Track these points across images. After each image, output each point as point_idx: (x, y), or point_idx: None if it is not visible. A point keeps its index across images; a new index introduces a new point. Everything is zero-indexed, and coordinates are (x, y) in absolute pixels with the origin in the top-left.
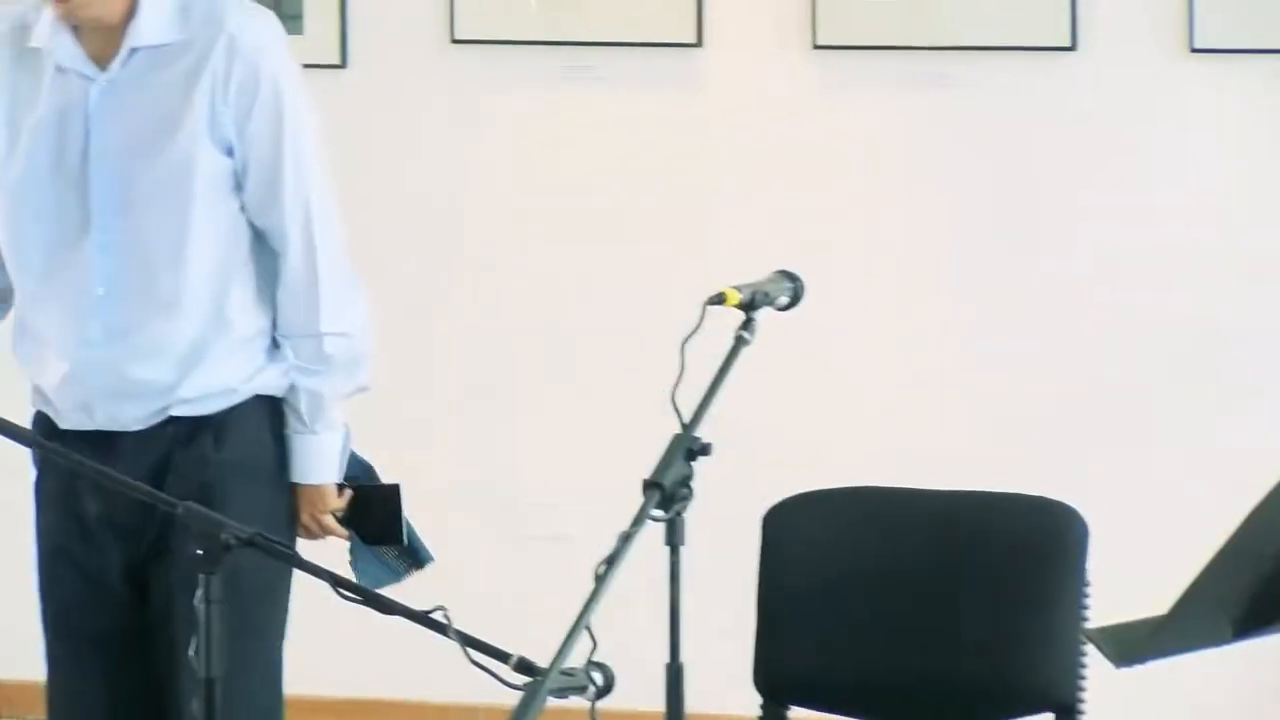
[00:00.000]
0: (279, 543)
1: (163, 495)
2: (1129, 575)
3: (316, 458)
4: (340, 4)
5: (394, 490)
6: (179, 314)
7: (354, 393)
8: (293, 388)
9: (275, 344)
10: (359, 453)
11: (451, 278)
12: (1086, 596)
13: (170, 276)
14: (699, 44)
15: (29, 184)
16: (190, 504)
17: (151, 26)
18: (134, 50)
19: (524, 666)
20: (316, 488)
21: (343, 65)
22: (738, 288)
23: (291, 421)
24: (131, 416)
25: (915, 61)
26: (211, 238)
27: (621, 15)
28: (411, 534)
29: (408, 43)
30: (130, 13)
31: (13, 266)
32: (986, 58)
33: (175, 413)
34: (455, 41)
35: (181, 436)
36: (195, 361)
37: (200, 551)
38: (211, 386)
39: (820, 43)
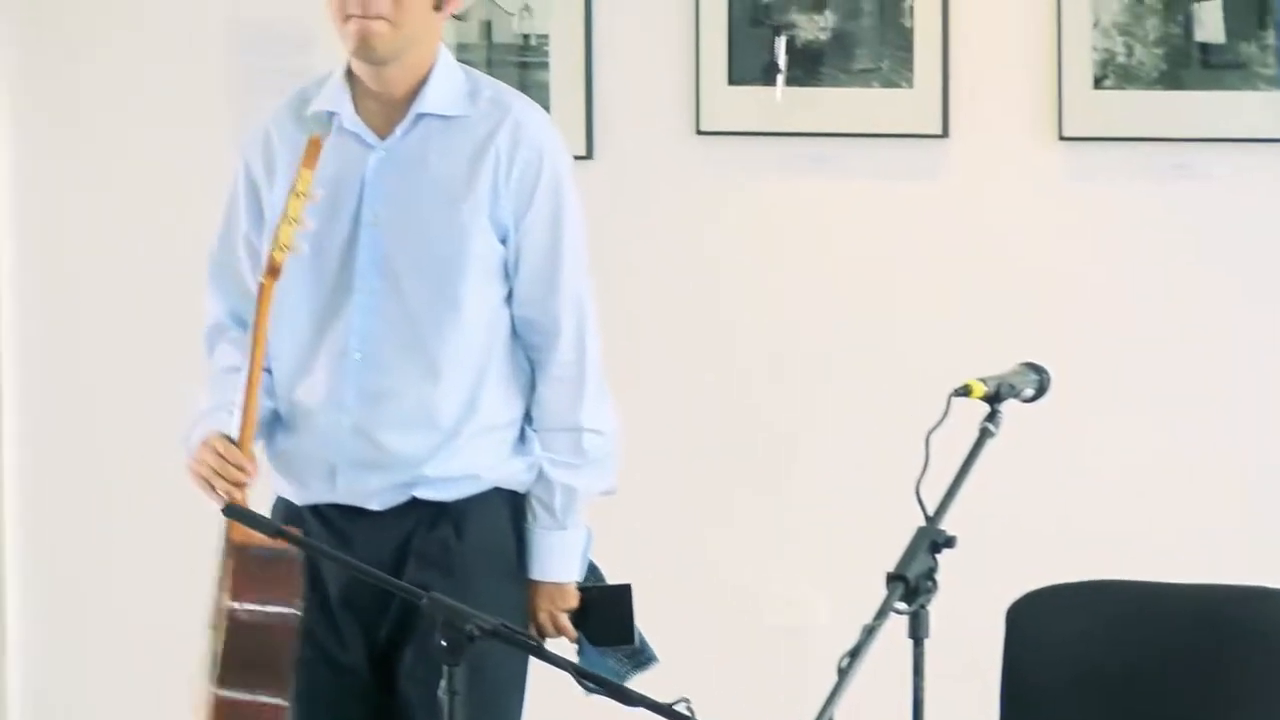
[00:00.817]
0: (523, 633)
1: (407, 585)
2: None
3: (563, 554)
4: (586, 96)
5: (625, 591)
6: (435, 387)
7: (603, 493)
8: (545, 482)
9: (521, 438)
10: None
11: (693, 367)
12: None
13: (431, 348)
14: (944, 135)
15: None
16: (435, 594)
17: (441, 96)
18: (420, 117)
19: None
20: (559, 585)
21: (589, 156)
22: (983, 379)
23: (540, 516)
24: (374, 489)
25: (1162, 153)
26: (476, 316)
27: (866, 106)
28: (639, 634)
29: (653, 134)
30: (417, 86)
31: (275, 332)
32: (1232, 149)
33: (418, 494)
34: (700, 133)
35: (423, 521)
36: (445, 440)
37: (444, 642)
38: (457, 470)
39: (1066, 134)
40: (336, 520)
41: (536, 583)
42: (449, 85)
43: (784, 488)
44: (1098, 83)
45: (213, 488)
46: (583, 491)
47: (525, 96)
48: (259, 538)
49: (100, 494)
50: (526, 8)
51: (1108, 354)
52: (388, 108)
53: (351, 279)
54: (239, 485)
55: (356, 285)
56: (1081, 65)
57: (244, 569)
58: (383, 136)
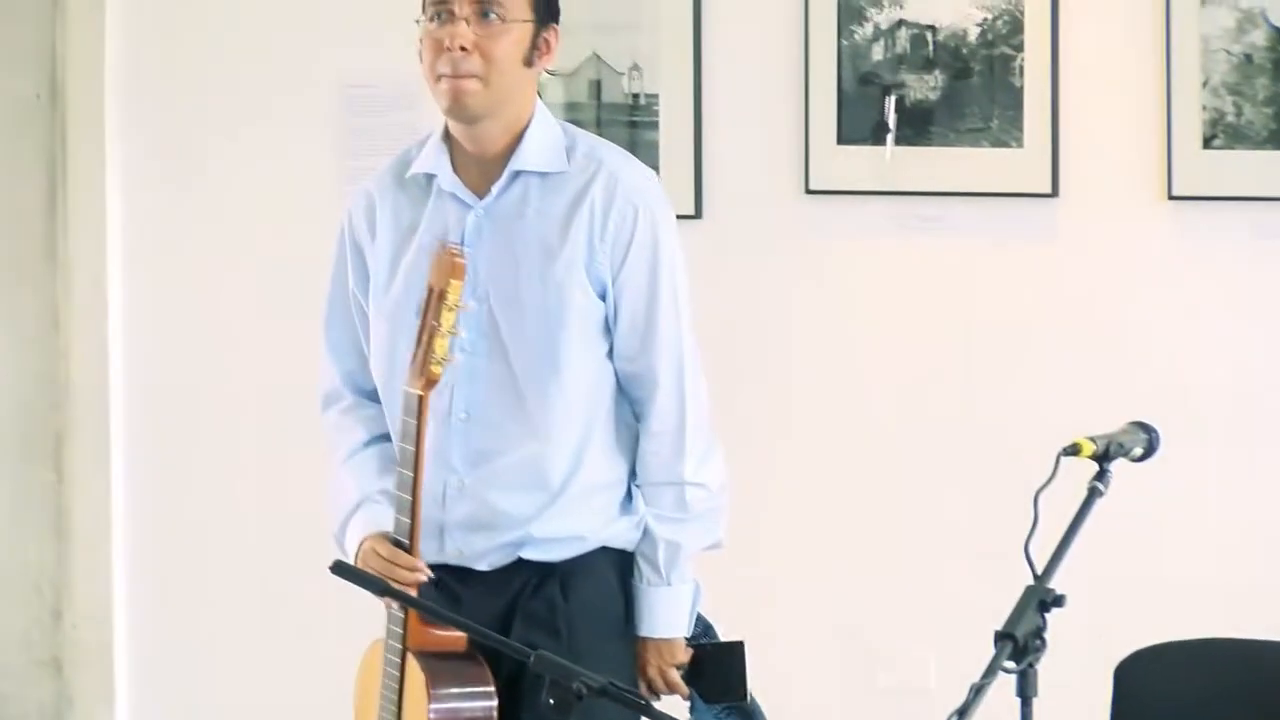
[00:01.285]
0: (631, 691)
1: (514, 644)
2: None
3: (669, 610)
4: (696, 155)
5: (738, 647)
6: (540, 446)
7: (709, 548)
8: (649, 537)
9: (628, 497)
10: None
11: (802, 425)
12: None
13: (536, 406)
14: (1054, 194)
15: (402, 307)
16: (542, 652)
17: (537, 153)
18: (516, 174)
19: None
20: (667, 641)
21: (698, 215)
22: (1092, 438)
23: (645, 573)
24: (482, 550)
25: (1272, 212)
26: (579, 373)
27: (976, 165)
28: (751, 694)
29: (762, 193)
30: (513, 144)
31: (384, 392)
32: None
33: (525, 555)
34: (809, 192)
35: (530, 582)
36: (551, 499)
37: (551, 701)
38: (563, 530)
39: (1175, 193)
40: (447, 581)
41: (645, 639)
42: (545, 141)
43: (892, 545)
44: (1207, 142)
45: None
46: (687, 547)
47: (623, 151)
48: (433, 640)
49: (204, 530)
50: (636, 67)
51: (1217, 412)
52: (485, 166)
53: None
54: (412, 586)
55: (463, 348)
56: (1191, 125)
57: (434, 671)
58: (480, 195)
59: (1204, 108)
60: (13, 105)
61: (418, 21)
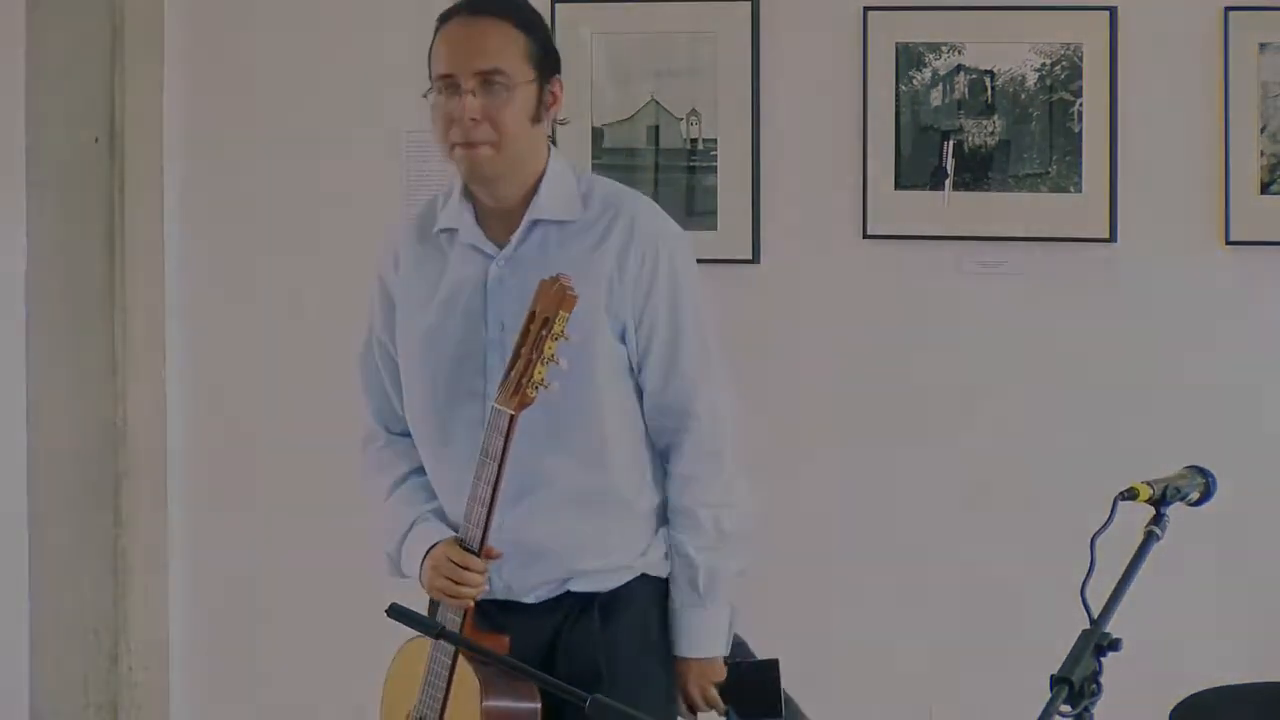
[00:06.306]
0: None
1: (569, 687)
2: None
3: (707, 631)
4: (754, 200)
5: (773, 665)
6: (580, 480)
7: (741, 570)
8: (687, 561)
9: (661, 525)
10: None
11: (859, 469)
12: None
13: (571, 442)
14: (1112, 239)
15: (430, 349)
16: (597, 697)
17: (553, 202)
18: (534, 223)
19: None
20: (707, 660)
21: (755, 260)
22: (1149, 483)
23: (685, 596)
24: (532, 584)
25: None
26: (610, 404)
27: (1034, 210)
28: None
29: (820, 238)
30: (530, 195)
31: (418, 426)
32: None
33: (573, 587)
34: (867, 236)
35: (572, 613)
36: (596, 531)
37: None
38: (611, 562)
39: (1232, 238)
40: (494, 614)
41: (684, 659)
42: (560, 191)
43: (948, 589)
44: (1264, 188)
45: (451, 595)
46: (722, 570)
47: (641, 195)
48: (479, 640)
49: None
50: (694, 112)
51: (1275, 456)
52: (505, 218)
53: (485, 384)
54: (476, 586)
55: (488, 390)
56: (1248, 170)
57: (489, 676)
58: (501, 246)
59: (1262, 153)
60: (72, 151)
61: (426, 95)
